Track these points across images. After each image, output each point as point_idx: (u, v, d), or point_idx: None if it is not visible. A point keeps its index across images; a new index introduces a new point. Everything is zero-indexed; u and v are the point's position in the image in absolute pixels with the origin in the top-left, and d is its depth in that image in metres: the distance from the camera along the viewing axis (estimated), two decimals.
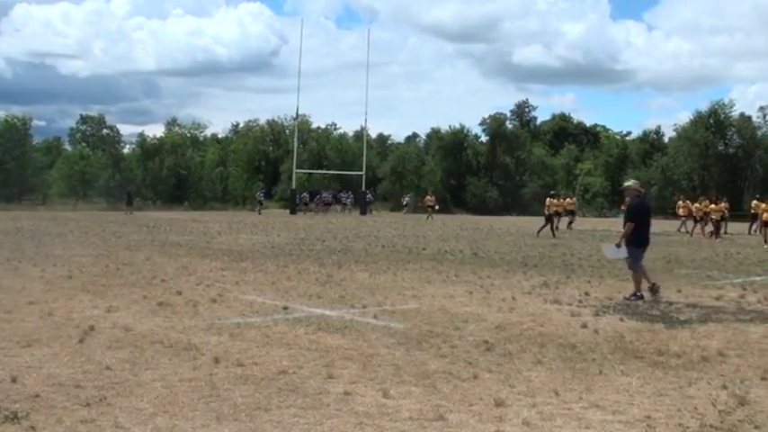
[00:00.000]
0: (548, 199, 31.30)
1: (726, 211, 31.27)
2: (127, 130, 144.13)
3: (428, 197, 51.90)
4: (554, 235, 28.92)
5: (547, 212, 30.12)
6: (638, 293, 11.77)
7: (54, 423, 5.21)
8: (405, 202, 66.17)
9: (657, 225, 38.57)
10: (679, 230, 34.39)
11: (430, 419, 5.44)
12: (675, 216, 36.69)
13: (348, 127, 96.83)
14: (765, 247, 24.88)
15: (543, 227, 29.43)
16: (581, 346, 8.07)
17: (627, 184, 13.10)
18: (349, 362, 7.16)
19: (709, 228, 30.91)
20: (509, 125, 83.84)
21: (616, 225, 37.65)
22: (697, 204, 32.82)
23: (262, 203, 57.48)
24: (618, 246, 12.16)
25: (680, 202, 36.35)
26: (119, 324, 8.89)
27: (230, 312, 9.96)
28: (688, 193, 46.72)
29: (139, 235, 25.96)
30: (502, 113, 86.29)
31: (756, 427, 5.39)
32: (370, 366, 7.00)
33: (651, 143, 78.36)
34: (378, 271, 15.32)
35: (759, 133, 68.76)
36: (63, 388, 6.07)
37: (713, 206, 31.06)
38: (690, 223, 33.28)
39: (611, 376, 6.82)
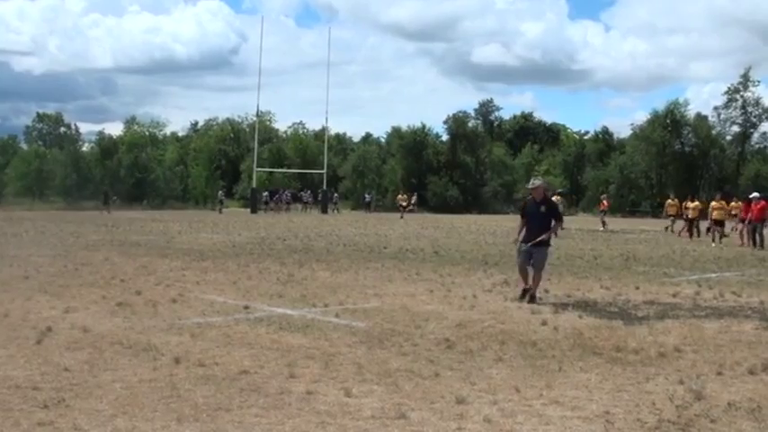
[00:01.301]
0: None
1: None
2: (84, 129, 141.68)
3: (399, 196, 52.05)
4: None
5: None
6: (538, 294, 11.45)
7: (11, 426, 5.13)
8: (368, 200, 66.22)
9: (618, 223, 38.99)
10: (666, 229, 33.35)
11: (392, 418, 5.45)
12: (665, 215, 34.51)
13: (308, 125, 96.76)
14: (714, 245, 25.26)
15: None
16: (541, 344, 8.15)
17: (538, 182, 11.95)
18: (311, 361, 7.15)
19: (680, 225, 30.44)
20: (472, 124, 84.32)
21: (577, 223, 38.10)
22: (687, 203, 30.99)
23: (222, 202, 57.16)
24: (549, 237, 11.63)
25: (669, 201, 34.78)
26: (77, 325, 8.77)
27: (191, 312, 9.88)
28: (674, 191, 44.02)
29: (98, 234, 25.63)
30: (466, 112, 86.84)
31: (712, 421, 5.49)
32: (331, 365, 6.99)
33: (606, 142, 79.61)
34: (339, 270, 15.31)
35: (714, 132, 70.01)
36: (20, 390, 5.98)
37: (690, 203, 30.04)
38: (680, 223, 31.98)
39: (570, 373, 6.89)
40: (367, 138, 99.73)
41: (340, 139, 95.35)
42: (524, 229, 11.69)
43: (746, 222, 25.32)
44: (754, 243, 24.41)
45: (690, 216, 29.73)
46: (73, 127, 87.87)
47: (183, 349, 7.54)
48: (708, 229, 28.53)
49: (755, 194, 25.43)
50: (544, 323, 9.38)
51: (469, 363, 7.22)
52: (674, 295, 12.29)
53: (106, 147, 71.70)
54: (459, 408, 5.71)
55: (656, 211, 64.94)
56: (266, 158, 75.74)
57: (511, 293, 12.08)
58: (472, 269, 15.88)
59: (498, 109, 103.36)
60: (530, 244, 11.43)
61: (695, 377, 6.73)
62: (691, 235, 29.28)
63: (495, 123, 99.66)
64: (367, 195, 67.70)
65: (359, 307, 10.56)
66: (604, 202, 38.64)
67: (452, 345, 7.99)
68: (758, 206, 24.62)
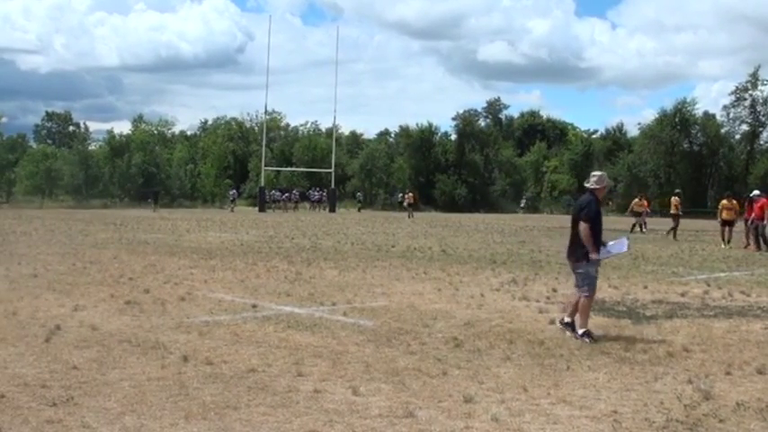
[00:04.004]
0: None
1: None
2: (91, 127, 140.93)
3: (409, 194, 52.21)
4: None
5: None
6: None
7: (20, 424, 5.15)
8: (400, 200, 66.06)
9: (627, 222, 38.80)
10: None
11: (399, 416, 5.45)
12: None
13: (317, 124, 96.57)
14: (724, 245, 24.22)
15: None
16: (549, 342, 8.14)
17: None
18: (318, 359, 7.16)
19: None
20: (481, 123, 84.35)
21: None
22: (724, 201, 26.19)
23: (234, 201, 57.35)
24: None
25: (724, 202, 27.61)
26: (85, 323, 8.80)
27: (199, 311, 9.90)
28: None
29: (106, 233, 25.69)
30: (475, 110, 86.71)
31: (721, 421, 5.48)
32: (339, 364, 7.00)
33: (614, 140, 79.39)
34: (347, 268, 15.31)
35: (723, 131, 69.78)
36: (29, 388, 6.00)
37: (724, 202, 25.91)
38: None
39: (578, 372, 6.88)
40: (384, 135, 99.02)
41: (354, 137, 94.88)
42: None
43: (749, 222, 23.49)
44: (758, 244, 22.77)
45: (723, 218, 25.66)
46: (82, 126, 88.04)
47: (190, 347, 7.56)
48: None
49: (756, 192, 23.90)
50: (552, 322, 9.36)
51: (477, 361, 7.21)
52: (682, 295, 12.25)
53: (116, 145, 71.82)
54: (466, 406, 5.71)
55: (665, 210, 64.83)
56: (274, 157, 75.83)
57: (519, 292, 12.07)
58: (480, 268, 15.86)
59: (507, 107, 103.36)
60: (611, 253, 9.18)
61: (704, 377, 6.71)
62: (723, 239, 25.18)
63: (505, 122, 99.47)
64: (400, 195, 67.33)
65: (366, 306, 10.57)
66: (645, 202, 36.57)
67: (460, 344, 7.98)
68: (758, 204, 22.88)
